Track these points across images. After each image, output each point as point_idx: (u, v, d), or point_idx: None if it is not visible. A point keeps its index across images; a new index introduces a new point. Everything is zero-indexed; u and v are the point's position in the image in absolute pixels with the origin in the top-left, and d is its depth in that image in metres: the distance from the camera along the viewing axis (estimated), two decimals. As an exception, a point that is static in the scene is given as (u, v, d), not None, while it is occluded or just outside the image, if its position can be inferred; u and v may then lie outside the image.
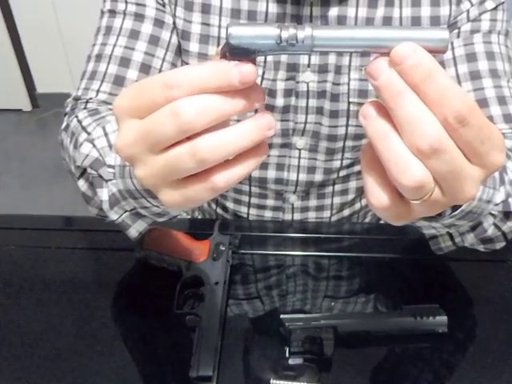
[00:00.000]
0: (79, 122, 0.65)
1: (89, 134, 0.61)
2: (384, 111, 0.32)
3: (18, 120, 2.61)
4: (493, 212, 0.57)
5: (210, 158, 0.32)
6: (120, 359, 0.61)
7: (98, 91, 0.70)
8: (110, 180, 0.56)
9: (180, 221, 0.94)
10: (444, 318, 0.62)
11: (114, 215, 0.58)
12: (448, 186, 0.32)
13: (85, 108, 0.70)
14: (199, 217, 0.95)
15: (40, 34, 2.45)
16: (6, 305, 0.68)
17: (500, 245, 0.62)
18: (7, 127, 2.54)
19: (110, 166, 0.56)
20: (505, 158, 0.33)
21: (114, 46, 0.70)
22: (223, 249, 0.69)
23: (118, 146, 0.34)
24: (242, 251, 0.74)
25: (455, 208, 0.48)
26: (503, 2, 0.71)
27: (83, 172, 0.60)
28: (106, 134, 0.59)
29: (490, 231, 0.59)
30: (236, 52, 0.31)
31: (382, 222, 0.95)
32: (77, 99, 0.72)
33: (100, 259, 0.75)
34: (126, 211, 0.57)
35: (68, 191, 2.01)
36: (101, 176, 0.57)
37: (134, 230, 0.59)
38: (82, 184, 0.60)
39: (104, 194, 0.57)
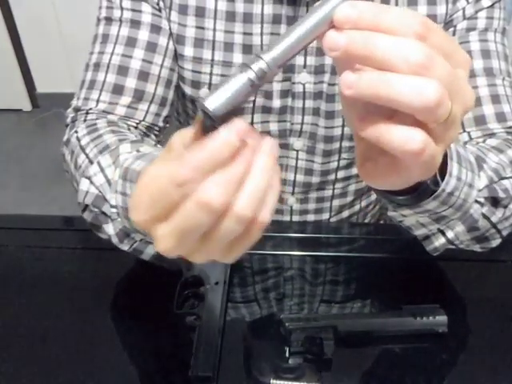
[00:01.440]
0: (78, 140, 0.65)
1: (87, 155, 0.62)
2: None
3: (18, 120, 2.61)
4: (478, 199, 0.55)
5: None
6: (120, 359, 0.61)
7: (97, 101, 0.70)
8: (115, 219, 0.56)
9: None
10: (444, 318, 0.62)
11: (124, 246, 0.59)
12: (456, 93, 0.32)
13: (85, 120, 0.70)
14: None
15: (40, 34, 2.45)
16: (6, 305, 0.68)
17: (496, 242, 0.61)
18: (7, 127, 2.55)
19: (112, 206, 0.56)
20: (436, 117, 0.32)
21: (112, 54, 0.70)
22: (223, 249, 0.69)
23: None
24: (242, 251, 0.74)
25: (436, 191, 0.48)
26: (500, 0, 0.70)
27: (86, 207, 0.59)
28: (102, 170, 0.58)
29: (481, 222, 0.57)
30: (224, 119, 0.31)
31: (381, 222, 0.96)
32: (77, 110, 0.72)
33: (100, 259, 0.75)
34: (135, 241, 0.58)
35: (68, 191, 2.01)
36: (104, 213, 0.57)
37: (147, 255, 0.60)
38: (87, 216, 0.60)
39: (110, 229, 0.58)
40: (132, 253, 0.59)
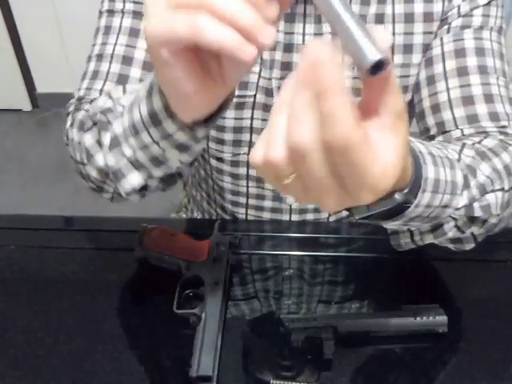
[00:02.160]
0: (85, 111, 0.64)
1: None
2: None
3: (18, 120, 2.61)
4: (454, 216, 0.54)
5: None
6: (120, 359, 0.61)
7: (101, 91, 0.69)
8: (117, 118, 0.55)
9: (180, 221, 0.94)
10: (444, 318, 0.62)
11: (111, 159, 0.56)
12: (308, 187, 0.34)
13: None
14: (199, 217, 0.95)
15: (40, 34, 2.45)
16: (6, 305, 0.68)
17: (469, 246, 0.60)
18: (7, 127, 2.54)
19: (121, 105, 0.56)
20: (371, 198, 0.33)
21: (115, 44, 0.70)
22: (223, 249, 0.69)
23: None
24: (242, 251, 0.74)
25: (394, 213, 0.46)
26: None
27: (92, 127, 0.59)
28: (124, 91, 0.60)
29: (451, 233, 0.56)
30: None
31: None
32: (80, 99, 0.71)
33: (100, 259, 0.75)
34: (124, 156, 0.55)
35: (68, 191, 2.01)
36: (109, 121, 0.56)
37: (128, 183, 0.56)
38: (88, 138, 0.59)
39: (107, 138, 0.56)
40: (115, 176, 0.56)
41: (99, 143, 0.57)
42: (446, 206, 0.51)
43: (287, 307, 0.67)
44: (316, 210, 0.84)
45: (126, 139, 0.54)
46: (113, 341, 0.63)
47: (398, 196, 0.42)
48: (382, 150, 0.33)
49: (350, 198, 0.34)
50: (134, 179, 0.56)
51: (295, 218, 0.84)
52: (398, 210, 0.45)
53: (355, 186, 0.33)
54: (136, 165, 0.55)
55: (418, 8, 0.67)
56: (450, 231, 0.56)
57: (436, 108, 0.68)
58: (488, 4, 0.68)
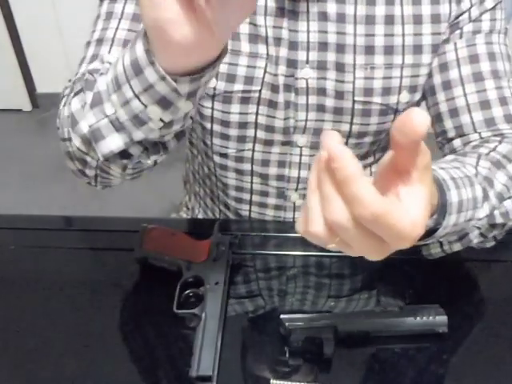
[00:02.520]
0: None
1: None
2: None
3: (18, 120, 2.61)
4: (477, 225, 0.60)
5: None
6: (120, 359, 0.61)
7: (100, 74, 0.68)
8: (102, 75, 0.53)
9: (180, 221, 0.94)
10: (444, 318, 0.62)
11: (91, 118, 0.53)
12: (351, 247, 0.39)
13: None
14: (200, 215, 0.95)
15: (40, 34, 2.45)
16: (6, 305, 0.68)
17: (490, 244, 0.64)
18: (7, 127, 2.54)
19: (108, 63, 0.55)
20: (409, 245, 0.38)
21: (117, 29, 0.68)
22: (223, 249, 0.69)
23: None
24: (242, 251, 0.74)
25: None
26: (500, 1, 0.71)
27: (80, 91, 0.57)
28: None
29: (476, 240, 0.62)
30: None
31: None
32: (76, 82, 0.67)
33: (100, 259, 0.75)
34: (105, 116, 0.52)
35: (68, 191, 2.01)
36: (95, 80, 0.54)
37: (106, 146, 0.53)
38: (75, 103, 0.56)
39: (90, 96, 0.54)
40: (93, 136, 0.54)
41: (84, 107, 0.55)
42: (469, 220, 0.57)
43: (287, 307, 0.67)
44: None
45: (108, 96, 0.51)
46: (113, 341, 0.63)
47: (427, 223, 0.48)
48: (410, 204, 0.37)
49: (391, 248, 0.39)
50: (113, 142, 0.53)
51: (298, 215, 0.84)
52: (428, 233, 0.53)
53: (392, 240, 0.37)
54: (116, 125, 0.52)
55: (426, 10, 0.69)
56: (475, 238, 0.61)
57: (454, 112, 0.71)
58: (494, 8, 0.70)
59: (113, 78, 0.50)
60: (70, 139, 0.58)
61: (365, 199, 0.35)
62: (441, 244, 0.65)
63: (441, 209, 0.52)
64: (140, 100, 0.49)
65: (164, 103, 0.48)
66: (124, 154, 0.55)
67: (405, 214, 0.36)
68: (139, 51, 0.46)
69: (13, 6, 2.40)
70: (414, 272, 0.72)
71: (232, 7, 0.39)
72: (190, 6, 0.40)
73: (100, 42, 0.69)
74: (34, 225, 0.80)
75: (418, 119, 0.34)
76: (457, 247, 0.63)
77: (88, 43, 0.71)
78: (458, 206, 0.54)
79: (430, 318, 0.62)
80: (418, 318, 0.62)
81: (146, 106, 0.49)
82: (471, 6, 0.69)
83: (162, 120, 0.50)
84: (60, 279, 0.71)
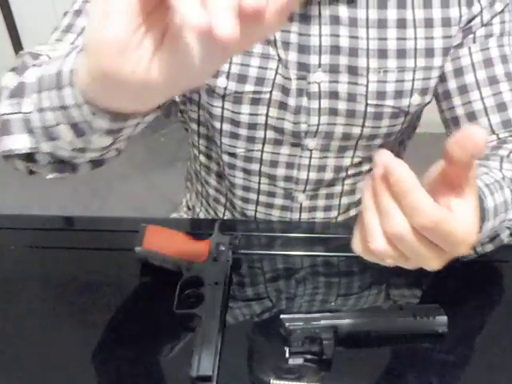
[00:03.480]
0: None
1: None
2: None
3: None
4: (508, 226, 0.64)
5: None
6: (120, 359, 0.61)
7: (72, 44, 0.63)
8: (35, 66, 0.49)
9: (180, 221, 0.94)
10: (444, 318, 0.62)
11: (7, 107, 0.48)
12: (412, 258, 0.41)
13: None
14: (201, 215, 0.95)
15: (40, 34, 2.45)
16: (6, 305, 0.68)
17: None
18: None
19: (47, 55, 0.52)
20: (466, 251, 0.40)
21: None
22: (223, 249, 0.69)
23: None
24: (242, 251, 0.74)
25: None
26: (508, 4, 0.72)
27: (14, 69, 0.52)
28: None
29: (506, 239, 0.66)
30: None
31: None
32: (38, 55, 0.57)
33: (100, 259, 0.75)
34: (20, 112, 0.47)
35: (68, 191, 2.01)
36: (27, 67, 0.50)
37: (8, 143, 0.48)
38: (5, 79, 0.52)
39: (15, 83, 0.49)
40: (2, 128, 0.48)
41: (5, 90, 0.50)
42: (502, 222, 0.61)
43: (287, 307, 0.67)
44: (325, 209, 0.84)
45: (31, 92, 0.47)
46: (113, 341, 0.63)
47: None
48: (463, 214, 0.39)
49: (448, 255, 0.41)
50: (18, 142, 0.48)
51: (305, 216, 0.84)
52: None
53: (450, 247, 0.39)
54: (28, 126, 0.47)
55: (436, 13, 0.70)
56: (506, 238, 0.66)
57: (472, 116, 0.73)
58: (503, 11, 0.72)
59: (40, 76, 0.45)
60: None
61: (425, 209, 0.37)
62: (474, 246, 0.66)
63: (481, 215, 0.54)
64: (54, 114, 0.44)
65: (76, 130, 0.43)
66: (29, 157, 0.50)
67: (461, 221, 0.39)
68: (66, 66, 0.41)
69: (13, 7, 2.40)
70: (413, 272, 0.71)
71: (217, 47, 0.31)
72: (157, 30, 0.33)
73: (78, 12, 0.66)
74: (34, 225, 0.80)
75: (479, 136, 0.35)
76: (489, 248, 0.67)
77: (65, 13, 0.68)
78: (493, 211, 0.58)
79: (430, 318, 0.62)
80: (418, 318, 0.62)
81: (57, 124, 0.44)
82: (482, 9, 0.70)
83: (72, 143, 0.45)
84: (60, 279, 0.71)
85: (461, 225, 0.38)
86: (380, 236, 0.40)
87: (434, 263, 0.41)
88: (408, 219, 0.38)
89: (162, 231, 0.71)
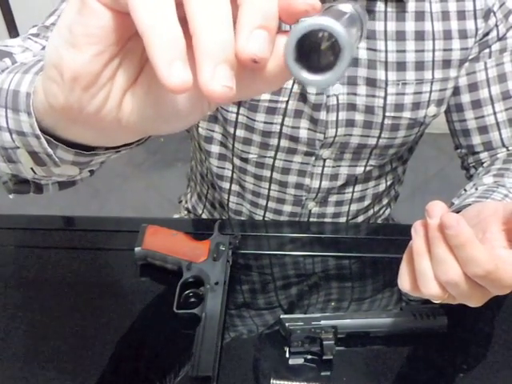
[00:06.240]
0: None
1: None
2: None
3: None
4: None
5: None
6: (120, 359, 0.61)
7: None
8: (4, 71, 0.40)
9: (180, 221, 0.94)
10: (444, 318, 0.62)
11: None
12: (458, 299, 0.45)
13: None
14: (204, 216, 0.95)
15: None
16: (6, 305, 0.68)
17: None
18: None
19: (16, 59, 0.48)
20: (509, 291, 0.43)
21: None
22: (223, 249, 0.69)
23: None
24: (242, 251, 0.74)
25: None
26: None
27: None
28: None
29: None
30: None
31: (382, 222, 0.96)
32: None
33: (100, 259, 0.75)
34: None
35: (68, 191, 2.00)
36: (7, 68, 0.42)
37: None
38: None
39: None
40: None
41: None
42: None
43: (287, 307, 0.67)
44: (334, 216, 0.84)
45: None
46: (113, 341, 0.63)
47: None
48: (509, 259, 0.42)
49: (491, 295, 0.44)
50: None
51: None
52: None
53: (496, 290, 0.43)
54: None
55: (454, 25, 0.69)
56: None
57: (483, 130, 0.75)
58: None
59: (1, 84, 0.38)
60: None
61: (480, 259, 0.41)
62: None
63: None
64: (11, 137, 0.37)
65: (37, 159, 0.37)
66: None
67: (508, 267, 0.41)
68: (24, 85, 0.35)
69: (13, 7, 2.40)
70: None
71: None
72: (132, 64, 0.28)
73: None
74: (33, 225, 0.80)
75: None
76: None
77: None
78: None
79: (430, 318, 0.62)
80: (418, 318, 0.62)
81: (17, 147, 0.37)
82: (497, 22, 0.70)
83: (33, 170, 0.39)
84: (60, 279, 0.71)
85: (508, 270, 0.41)
86: (433, 281, 0.43)
87: (476, 302, 0.45)
88: (462, 268, 0.42)
89: (162, 231, 0.71)
